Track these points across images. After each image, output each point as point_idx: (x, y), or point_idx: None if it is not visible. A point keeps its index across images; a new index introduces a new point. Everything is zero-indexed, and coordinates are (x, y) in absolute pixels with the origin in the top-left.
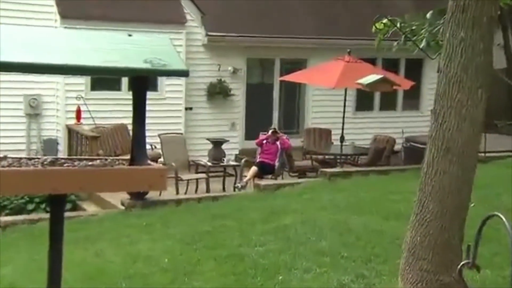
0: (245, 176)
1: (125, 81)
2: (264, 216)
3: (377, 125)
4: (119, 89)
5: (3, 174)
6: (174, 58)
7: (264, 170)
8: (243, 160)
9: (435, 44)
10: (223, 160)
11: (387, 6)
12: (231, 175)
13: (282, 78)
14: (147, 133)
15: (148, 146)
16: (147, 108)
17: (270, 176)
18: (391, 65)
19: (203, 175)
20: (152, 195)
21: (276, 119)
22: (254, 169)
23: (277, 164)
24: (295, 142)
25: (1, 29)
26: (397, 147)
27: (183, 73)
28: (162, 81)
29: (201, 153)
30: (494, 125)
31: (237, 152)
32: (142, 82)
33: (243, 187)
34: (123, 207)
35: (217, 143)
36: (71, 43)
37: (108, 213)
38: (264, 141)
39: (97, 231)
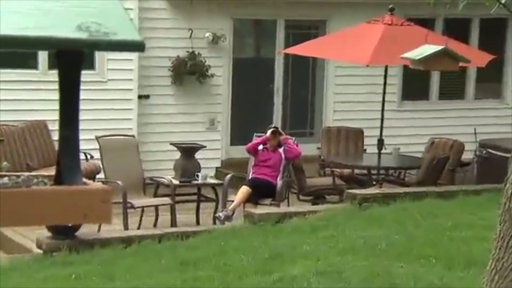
0: (231, 202)
1: (44, 55)
2: (260, 264)
3: (435, 122)
4: (34, 67)
5: None
6: (123, 23)
7: (260, 191)
8: (227, 177)
9: None
10: (197, 176)
11: None
12: (209, 199)
13: (287, 51)
14: (80, 136)
15: (81, 156)
16: (80, 97)
17: (269, 201)
18: (456, 29)
19: (167, 200)
20: (87, 231)
21: (279, 113)
22: (244, 190)
23: (279, 182)
24: (308, 149)
25: None
26: (467, 156)
27: (136, 46)
28: (103, 56)
29: (164, 165)
30: None
31: (219, 165)
32: (74, 59)
33: (227, 218)
34: (40, 251)
35: (188, 151)
36: None
37: (17, 260)
38: (260, 147)
39: None
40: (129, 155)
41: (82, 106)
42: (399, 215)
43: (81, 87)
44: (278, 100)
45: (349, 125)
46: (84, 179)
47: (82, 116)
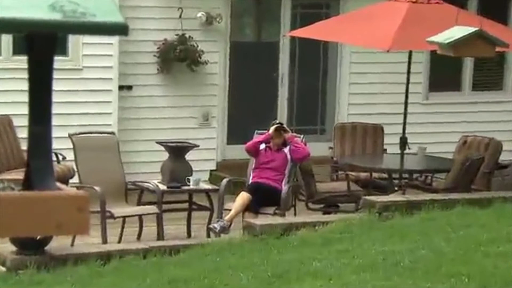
0: (228, 210)
1: (8, 38)
2: (262, 283)
3: (467, 117)
4: None
5: None
6: (103, 2)
7: (262, 198)
8: (224, 182)
9: None
10: (188, 181)
11: None
12: (202, 208)
13: (294, 33)
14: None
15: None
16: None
17: (272, 209)
18: (493, 7)
19: (152, 209)
20: (58, 245)
21: (284, 107)
22: (244, 197)
23: (285, 188)
24: (319, 148)
25: None
26: (505, 157)
27: (119, 29)
28: (77, 40)
29: (149, 168)
30: None
31: (214, 167)
32: (46, 43)
33: (223, 229)
34: (3, 268)
35: (178, 151)
36: None
37: None
38: (262, 147)
39: None
40: (108, 155)
41: (53, 98)
42: (425, 227)
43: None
44: (283, 91)
45: (367, 120)
46: (58, 184)
47: (53, 110)
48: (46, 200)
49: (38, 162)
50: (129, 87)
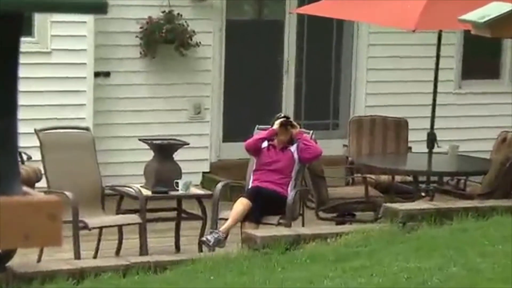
0: (224, 220)
1: None
2: None
3: (507, 110)
4: None
5: None
6: None
7: (265, 206)
8: (219, 186)
9: None
10: (177, 185)
11: None
12: (193, 217)
13: (302, 10)
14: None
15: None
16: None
17: (276, 219)
18: None
19: (134, 218)
20: (23, 261)
21: (290, 97)
22: (242, 204)
23: (291, 193)
24: (331, 146)
25: None
26: None
27: (96, 7)
28: (45, 18)
29: (130, 170)
30: None
31: (207, 169)
32: (10, 24)
33: (219, 242)
34: None
35: (164, 150)
36: None
37: None
38: (265, 145)
39: None
40: (82, 155)
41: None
42: (457, 239)
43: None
44: (289, 78)
45: (388, 113)
46: (25, 188)
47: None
48: (12, 207)
49: (1, 162)
50: (107, 74)
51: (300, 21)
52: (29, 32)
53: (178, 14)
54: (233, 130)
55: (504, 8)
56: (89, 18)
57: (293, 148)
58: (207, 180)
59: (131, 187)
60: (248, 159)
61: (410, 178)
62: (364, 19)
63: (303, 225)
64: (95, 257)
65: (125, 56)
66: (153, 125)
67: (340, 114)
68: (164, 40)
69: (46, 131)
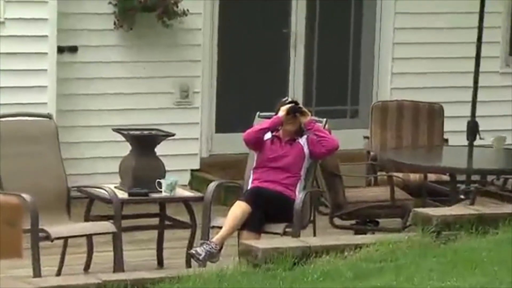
0: (218, 228)
1: None
2: None
3: None
4: None
5: None
6: None
7: (268, 211)
8: (211, 186)
9: None
10: (159, 185)
11: None
12: (180, 224)
13: None
14: None
15: None
16: None
17: (282, 227)
18: None
19: (107, 226)
20: None
21: (299, 79)
22: (240, 209)
23: (300, 195)
24: (349, 138)
25: None
26: None
27: None
28: None
29: (102, 167)
30: None
31: (197, 166)
32: None
33: (211, 256)
34: None
35: (144, 142)
36: None
37: None
38: (268, 136)
39: None
40: (42, 149)
41: None
42: (503, 252)
43: None
44: (297, 55)
45: (419, 98)
46: None
47: None
48: None
49: None
50: (73, 49)
51: None
52: None
53: None
54: (228, 118)
55: None
56: None
57: (302, 140)
58: (196, 180)
59: (103, 188)
60: (247, 154)
61: (446, 177)
62: None
63: (314, 235)
64: (58, 274)
65: (96, 27)
66: (130, 112)
67: (360, 99)
68: (143, 7)
69: None
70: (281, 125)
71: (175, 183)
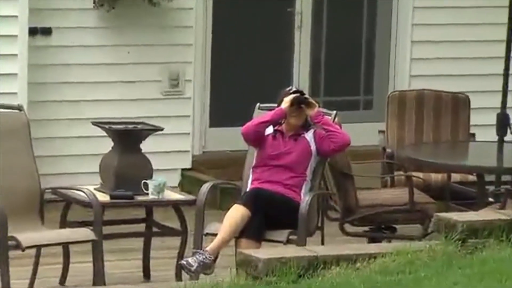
0: (213, 236)
1: None
2: None
3: None
4: None
5: None
6: None
7: (269, 215)
8: (205, 188)
9: None
10: (146, 187)
11: None
12: (169, 231)
13: None
14: None
15: None
16: None
17: (285, 234)
18: None
19: (86, 233)
20: None
21: (305, 66)
22: (238, 214)
23: (306, 198)
24: (362, 133)
25: None
26: None
27: None
28: None
29: (80, 165)
30: None
31: (188, 164)
32: None
33: (204, 266)
34: None
35: (128, 137)
36: None
37: None
38: (270, 131)
39: None
40: (11, 145)
41: None
42: None
43: None
44: (303, 38)
45: (441, 87)
46: None
47: None
48: None
49: None
50: (47, 31)
51: None
52: None
53: None
54: (224, 110)
55: None
56: None
57: (308, 135)
58: (188, 180)
59: (81, 190)
60: (245, 151)
61: (472, 178)
62: None
63: (322, 243)
64: (31, 286)
65: (73, 6)
66: (112, 103)
67: (375, 88)
68: None
69: None
70: (284, 118)
71: (164, 184)
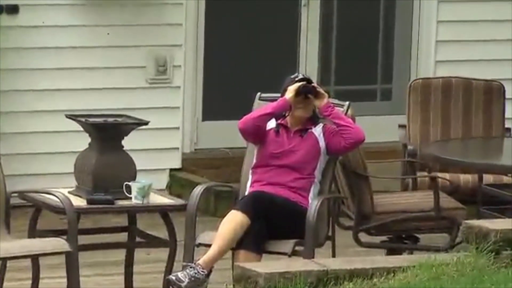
0: (206, 246)
1: None
2: None
3: None
4: None
5: None
6: None
7: (271, 223)
8: (197, 191)
9: None
10: (128, 190)
11: None
12: (155, 242)
13: None
14: None
15: None
16: None
17: (290, 245)
18: None
19: (59, 244)
20: None
21: (314, 51)
22: (236, 221)
23: (313, 202)
24: (379, 127)
25: None
26: None
27: None
28: None
29: (52, 165)
30: None
31: (178, 164)
32: None
33: (196, 281)
34: None
35: (108, 132)
36: None
37: None
38: (272, 125)
39: None
40: None
41: None
42: None
43: None
44: (310, 19)
45: (472, 74)
46: None
47: None
48: None
49: None
50: (13, 9)
51: None
52: None
53: None
54: (219, 101)
55: None
56: None
57: (317, 130)
58: (177, 182)
59: (53, 194)
60: (244, 149)
61: (507, 179)
62: None
63: (333, 255)
64: None
65: None
66: (89, 93)
67: (394, 76)
68: None
69: None
70: (289, 110)
71: (149, 186)
